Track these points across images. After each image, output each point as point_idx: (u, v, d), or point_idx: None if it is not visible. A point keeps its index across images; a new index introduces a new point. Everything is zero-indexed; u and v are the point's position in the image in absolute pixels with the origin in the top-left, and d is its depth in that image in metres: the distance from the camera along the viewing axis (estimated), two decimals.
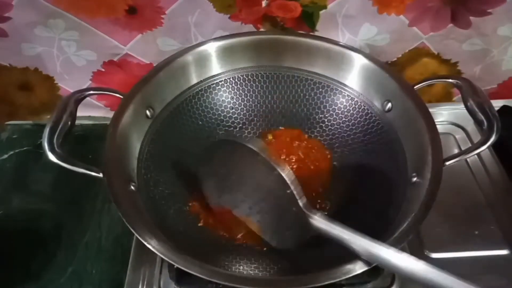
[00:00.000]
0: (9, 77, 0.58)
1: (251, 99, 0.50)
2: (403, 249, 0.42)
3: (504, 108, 0.56)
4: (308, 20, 0.53)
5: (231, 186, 0.37)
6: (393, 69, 0.51)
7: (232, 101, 0.50)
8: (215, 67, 0.48)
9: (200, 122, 0.49)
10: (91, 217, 0.48)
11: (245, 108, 0.50)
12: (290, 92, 0.50)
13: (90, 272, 0.43)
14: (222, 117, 0.50)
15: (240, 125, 0.50)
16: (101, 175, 0.34)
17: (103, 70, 0.58)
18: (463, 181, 0.50)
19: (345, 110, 0.48)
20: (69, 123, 0.37)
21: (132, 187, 0.37)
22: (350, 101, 0.48)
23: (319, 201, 0.45)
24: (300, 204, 0.32)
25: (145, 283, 0.41)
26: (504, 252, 0.43)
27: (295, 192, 0.32)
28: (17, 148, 0.56)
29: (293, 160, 0.47)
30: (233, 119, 0.50)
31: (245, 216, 0.38)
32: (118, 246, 0.46)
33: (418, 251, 0.43)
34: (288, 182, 0.32)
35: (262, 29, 0.55)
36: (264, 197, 0.35)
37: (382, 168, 0.40)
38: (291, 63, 0.49)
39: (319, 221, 0.32)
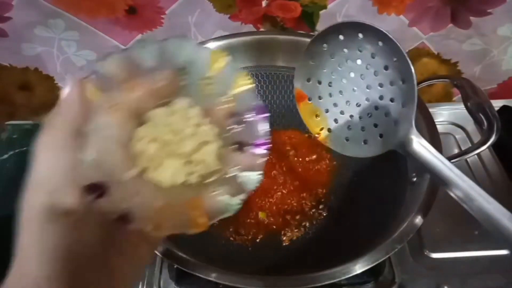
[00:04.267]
0: (9, 77, 0.58)
1: None
2: (403, 249, 0.43)
3: (504, 108, 0.56)
4: (308, 20, 0.53)
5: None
6: None
7: None
8: None
9: None
10: None
11: None
12: (290, 92, 0.50)
13: None
14: None
15: None
16: None
17: None
18: None
19: None
20: None
21: None
22: None
23: (321, 200, 0.45)
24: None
25: (145, 283, 0.41)
26: (504, 252, 0.43)
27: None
28: (17, 148, 0.56)
29: (294, 160, 0.47)
30: None
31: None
32: None
33: (418, 251, 0.43)
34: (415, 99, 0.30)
35: (262, 29, 0.55)
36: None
37: (382, 168, 0.40)
38: (291, 63, 0.49)
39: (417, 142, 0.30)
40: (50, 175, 0.19)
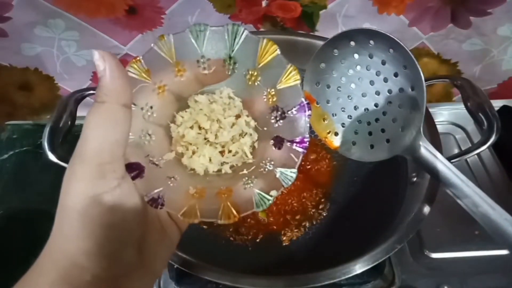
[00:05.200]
0: (9, 77, 0.58)
1: None
2: (403, 249, 0.43)
3: (504, 108, 0.56)
4: (308, 20, 0.53)
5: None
6: None
7: None
8: None
9: None
10: None
11: None
12: None
13: None
14: None
15: None
16: None
17: None
18: None
19: None
20: (69, 123, 0.37)
21: None
22: None
23: (321, 200, 0.45)
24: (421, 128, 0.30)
25: None
26: (504, 252, 0.43)
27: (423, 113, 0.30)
28: (17, 148, 0.56)
29: None
30: None
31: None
32: None
33: (418, 251, 0.43)
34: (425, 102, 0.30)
35: (262, 29, 0.55)
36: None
37: (382, 168, 0.40)
38: (291, 63, 0.49)
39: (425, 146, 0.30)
40: (98, 150, 0.19)
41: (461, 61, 0.59)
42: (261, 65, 0.23)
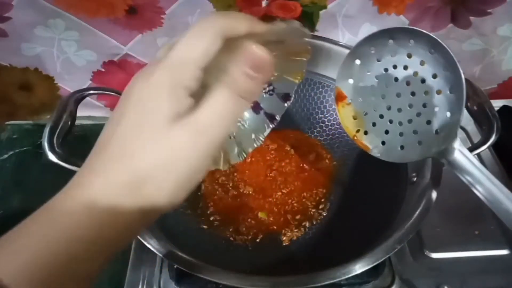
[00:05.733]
0: (9, 77, 0.58)
1: None
2: (403, 249, 0.43)
3: (504, 108, 0.56)
4: (308, 20, 0.53)
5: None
6: None
7: None
8: None
9: None
10: None
11: None
12: None
13: None
14: None
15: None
16: None
17: (103, 70, 0.58)
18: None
19: None
20: (69, 123, 0.37)
21: None
22: None
23: (321, 200, 0.45)
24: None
25: (145, 282, 0.41)
26: (504, 252, 0.43)
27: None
28: (17, 148, 0.56)
29: (294, 160, 0.47)
30: None
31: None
32: None
33: (418, 251, 0.43)
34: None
35: None
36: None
37: (382, 168, 0.40)
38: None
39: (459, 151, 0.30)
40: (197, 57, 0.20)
41: (461, 61, 0.58)
42: (287, 54, 0.27)
